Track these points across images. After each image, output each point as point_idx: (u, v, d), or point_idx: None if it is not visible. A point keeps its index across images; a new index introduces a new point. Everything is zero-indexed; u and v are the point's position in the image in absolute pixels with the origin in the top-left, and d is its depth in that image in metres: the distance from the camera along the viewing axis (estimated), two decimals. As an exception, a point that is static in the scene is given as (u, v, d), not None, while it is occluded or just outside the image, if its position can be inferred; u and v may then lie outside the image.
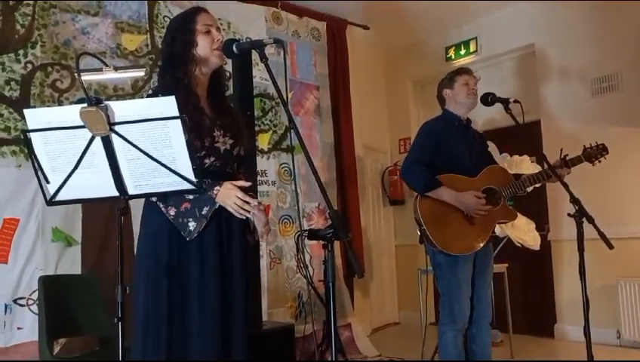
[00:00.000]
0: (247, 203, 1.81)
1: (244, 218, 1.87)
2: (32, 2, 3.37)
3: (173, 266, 1.81)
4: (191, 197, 1.80)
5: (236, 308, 1.89)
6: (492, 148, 4.62)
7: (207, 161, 1.89)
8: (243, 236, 1.97)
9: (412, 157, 2.90)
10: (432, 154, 2.87)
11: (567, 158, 2.80)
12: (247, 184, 1.85)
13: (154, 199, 1.82)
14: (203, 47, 1.94)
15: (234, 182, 1.83)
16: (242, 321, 1.91)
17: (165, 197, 1.80)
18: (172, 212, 1.82)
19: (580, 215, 2.40)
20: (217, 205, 1.82)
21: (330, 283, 1.66)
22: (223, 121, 1.96)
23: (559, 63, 4.87)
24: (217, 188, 1.81)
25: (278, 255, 4.35)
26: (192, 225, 1.80)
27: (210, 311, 1.82)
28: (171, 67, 1.94)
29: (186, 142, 1.46)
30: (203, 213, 1.81)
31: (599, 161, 2.83)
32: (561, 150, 2.82)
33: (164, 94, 1.79)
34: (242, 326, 1.90)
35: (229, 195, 1.80)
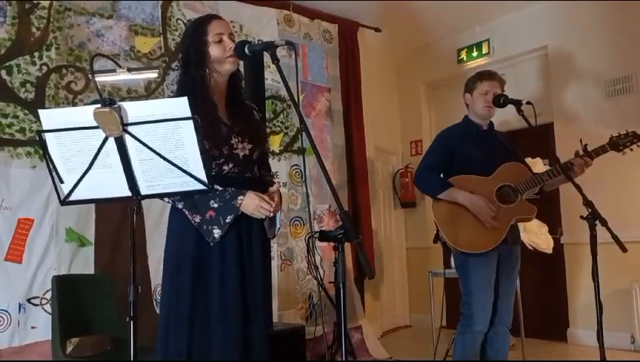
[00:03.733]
0: (269, 209, 1.91)
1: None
2: (47, 5, 3.42)
3: (197, 264, 1.88)
4: (216, 205, 1.87)
5: (257, 306, 1.93)
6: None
7: (225, 167, 1.93)
8: (263, 234, 2.03)
9: (424, 163, 2.93)
10: (444, 161, 2.88)
11: (589, 149, 2.72)
12: (267, 198, 1.93)
13: (180, 206, 1.90)
14: (215, 56, 1.98)
15: (257, 193, 1.90)
16: (263, 320, 1.96)
17: (191, 204, 1.88)
18: (197, 219, 1.88)
19: (593, 217, 2.38)
20: (240, 212, 1.89)
21: (341, 285, 1.66)
22: (240, 126, 1.99)
23: (573, 65, 4.83)
24: (241, 197, 1.88)
25: (289, 256, 4.36)
26: (216, 232, 1.88)
27: (231, 308, 1.87)
28: (188, 77, 1.98)
29: (198, 142, 1.48)
30: (227, 220, 1.88)
31: (631, 149, 2.71)
32: (581, 140, 2.76)
33: None
34: (262, 325, 1.95)
35: (252, 205, 1.89)
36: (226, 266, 1.89)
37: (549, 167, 4.25)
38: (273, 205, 1.91)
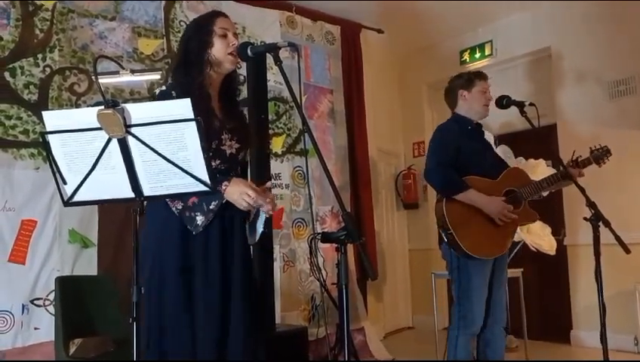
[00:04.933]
0: (252, 197, 1.81)
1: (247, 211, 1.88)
2: (50, 7, 3.43)
3: (180, 260, 1.84)
4: None
5: (235, 308, 1.89)
6: (507, 151, 4.61)
7: (213, 163, 1.90)
8: (244, 234, 1.99)
9: (435, 159, 2.85)
10: (453, 155, 2.83)
11: (579, 160, 2.82)
12: (253, 186, 1.85)
13: None
14: (218, 49, 1.96)
15: (243, 180, 1.85)
16: (241, 322, 1.89)
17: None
18: (179, 206, 1.83)
19: (597, 219, 2.38)
20: (225, 200, 1.83)
21: (344, 286, 1.66)
22: (231, 124, 1.98)
23: (575, 66, 4.82)
24: (226, 183, 1.82)
25: (292, 258, 4.36)
26: (199, 219, 1.82)
27: (212, 309, 1.84)
28: (186, 65, 1.97)
29: (201, 144, 1.48)
30: (211, 207, 1.82)
31: (604, 163, 2.86)
32: (574, 152, 2.81)
33: (176, 92, 1.83)
34: (241, 327, 1.89)
35: (237, 191, 1.81)
36: (209, 266, 1.85)
37: (552, 169, 4.28)
38: (256, 196, 1.81)
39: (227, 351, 1.86)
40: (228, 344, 1.86)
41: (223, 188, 1.82)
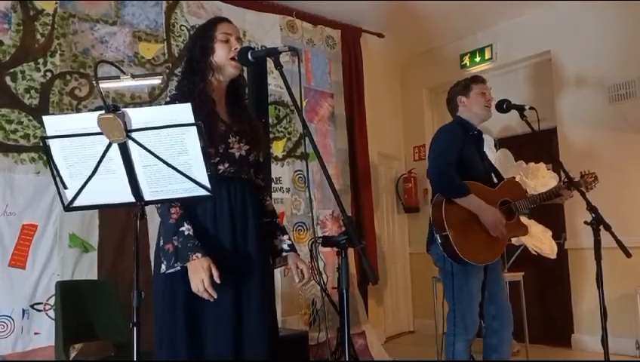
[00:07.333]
0: (206, 291, 1.75)
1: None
2: (51, 12, 3.44)
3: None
4: (176, 243, 1.79)
5: (252, 309, 1.89)
6: (507, 155, 4.62)
7: (221, 167, 1.90)
8: (260, 240, 1.99)
9: (443, 159, 2.78)
10: (457, 156, 2.80)
11: (573, 181, 2.83)
12: (216, 275, 1.76)
13: (159, 211, 1.85)
14: (220, 55, 1.97)
15: (211, 265, 1.76)
16: (258, 324, 1.90)
17: (163, 225, 1.83)
18: (161, 243, 1.85)
19: (597, 223, 2.38)
20: (185, 266, 1.78)
21: (344, 291, 1.65)
22: (239, 127, 1.98)
23: (576, 70, 4.83)
24: (198, 255, 1.76)
25: (292, 262, 4.35)
26: (163, 266, 1.81)
27: (225, 317, 1.83)
28: (189, 72, 1.97)
29: (202, 148, 1.48)
30: (176, 266, 1.79)
31: (592, 188, 2.88)
32: (568, 174, 2.80)
33: (180, 100, 1.83)
34: (258, 329, 1.90)
35: (198, 272, 1.75)
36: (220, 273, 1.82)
37: (552, 172, 4.28)
38: (211, 289, 1.75)
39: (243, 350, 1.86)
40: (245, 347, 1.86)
41: (193, 258, 1.76)
